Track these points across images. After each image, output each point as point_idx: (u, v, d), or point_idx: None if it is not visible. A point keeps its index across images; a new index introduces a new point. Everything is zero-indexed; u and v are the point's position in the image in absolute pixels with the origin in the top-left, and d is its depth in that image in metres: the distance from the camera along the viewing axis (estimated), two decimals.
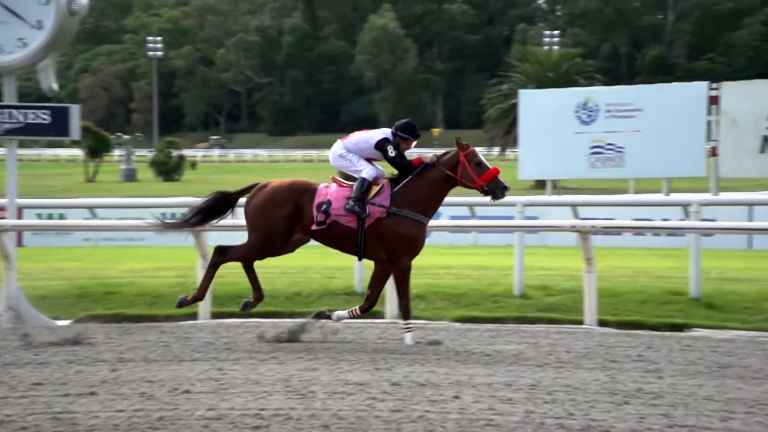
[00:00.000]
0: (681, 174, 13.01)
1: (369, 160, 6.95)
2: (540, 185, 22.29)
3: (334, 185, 6.99)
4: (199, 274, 8.55)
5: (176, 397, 5.31)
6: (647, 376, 5.79)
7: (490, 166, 6.90)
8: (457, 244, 14.51)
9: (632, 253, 12.93)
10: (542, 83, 34.41)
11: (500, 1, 79.58)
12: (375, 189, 6.86)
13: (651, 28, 70.73)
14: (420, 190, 6.84)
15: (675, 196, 12.14)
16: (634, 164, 12.83)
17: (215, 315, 8.43)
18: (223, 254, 7.04)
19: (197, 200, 7.48)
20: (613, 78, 55.23)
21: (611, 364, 6.16)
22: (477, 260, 11.93)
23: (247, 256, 7.02)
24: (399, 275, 6.91)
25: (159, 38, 64.35)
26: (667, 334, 7.39)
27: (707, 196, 10.27)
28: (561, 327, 7.91)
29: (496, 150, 42.95)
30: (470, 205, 13.92)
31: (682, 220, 10.47)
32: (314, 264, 10.68)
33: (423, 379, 5.74)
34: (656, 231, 13.62)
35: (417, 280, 9.70)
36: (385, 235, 6.81)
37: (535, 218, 12.57)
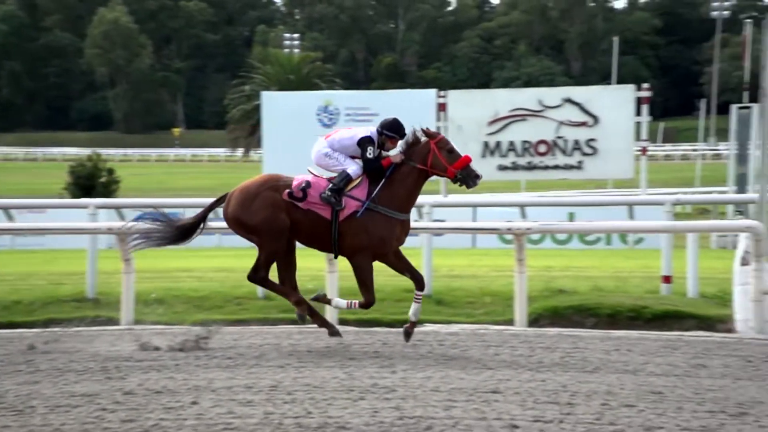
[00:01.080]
0: None
1: (352, 157, 6.82)
2: None
3: (309, 176, 6.79)
4: None
5: None
6: (382, 371, 6.04)
7: (462, 154, 6.78)
8: (200, 247, 14.22)
9: None
10: (284, 85, 34.78)
11: (239, 2, 79.23)
12: (353, 183, 6.71)
13: (384, 36, 74.19)
14: (395, 189, 6.72)
15: None
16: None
17: None
18: (257, 272, 6.85)
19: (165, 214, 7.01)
20: (351, 82, 57.32)
21: (350, 362, 6.35)
22: (221, 262, 11.78)
23: (267, 258, 6.79)
24: (361, 272, 6.74)
25: None
26: (402, 330, 7.74)
27: (438, 198, 10.93)
28: (303, 327, 8.00)
29: (240, 151, 42.74)
30: None
31: (416, 221, 11.07)
32: (39, 270, 9.93)
33: (159, 386, 5.56)
34: None
35: (156, 284, 9.39)
36: (354, 230, 6.62)
37: None
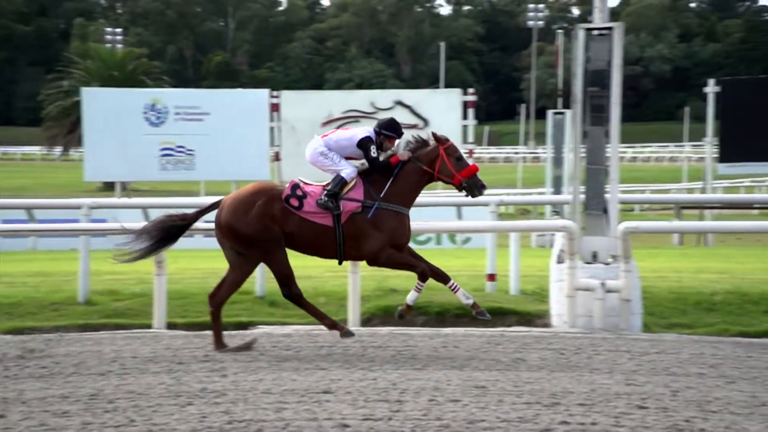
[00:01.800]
0: (248, 177, 13.57)
1: (347, 158, 6.75)
2: (109, 187, 21.58)
3: (301, 184, 6.71)
4: None
5: None
6: (212, 375, 5.92)
7: (470, 162, 6.79)
8: (13, 250, 13.35)
9: (203, 255, 13.14)
10: (107, 82, 33.29)
11: None
12: (348, 186, 6.65)
13: (214, 34, 72.53)
14: (398, 185, 6.71)
15: None
16: (204, 167, 13.10)
17: None
18: (287, 287, 6.74)
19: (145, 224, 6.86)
20: (180, 81, 55.63)
21: (178, 366, 6.18)
22: (36, 266, 11.13)
23: (283, 270, 6.67)
24: (393, 263, 6.72)
25: None
26: (234, 332, 7.62)
27: None
28: (128, 332, 7.74)
29: (58, 150, 40.40)
30: (28, 208, 12.88)
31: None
32: None
33: None
34: None
35: None
36: (363, 228, 6.56)
37: (103, 221, 12.17)
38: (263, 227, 6.57)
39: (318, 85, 60.00)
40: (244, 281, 6.89)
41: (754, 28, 64.37)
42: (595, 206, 8.36)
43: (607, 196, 8.32)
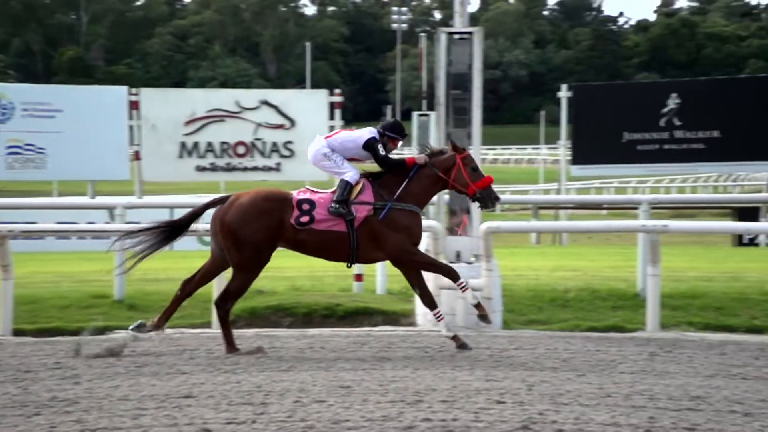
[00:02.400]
0: (106, 177, 13.11)
1: (350, 159, 6.75)
2: None
3: (308, 193, 6.67)
4: None
5: None
6: (63, 383, 5.67)
7: (484, 173, 6.82)
8: None
9: (55, 258, 12.55)
10: None
11: None
12: (356, 190, 6.64)
13: (65, 27, 69.10)
14: (413, 187, 6.75)
15: (100, 199, 12.17)
16: (56, 166, 12.51)
17: None
18: (225, 300, 6.62)
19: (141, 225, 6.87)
20: (28, 75, 52.82)
21: (24, 375, 5.90)
22: None
23: (244, 283, 6.62)
24: (419, 263, 6.74)
25: None
26: (90, 338, 7.30)
27: (132, 199, 10.50)
28: None
29: None
30: None
31: (107, 223, 10.53)
32: None
33: None
34: (81, 234, 13.49)
35: None
36: (380, 230, 6.57)
37: None
38: (266, 239, 6.55)
39: (180, 83, 58.42)
40: (217, 275, 6.88)
41: (600, 37, 68.04)
42: (458, 206, 8.56)
43: None
